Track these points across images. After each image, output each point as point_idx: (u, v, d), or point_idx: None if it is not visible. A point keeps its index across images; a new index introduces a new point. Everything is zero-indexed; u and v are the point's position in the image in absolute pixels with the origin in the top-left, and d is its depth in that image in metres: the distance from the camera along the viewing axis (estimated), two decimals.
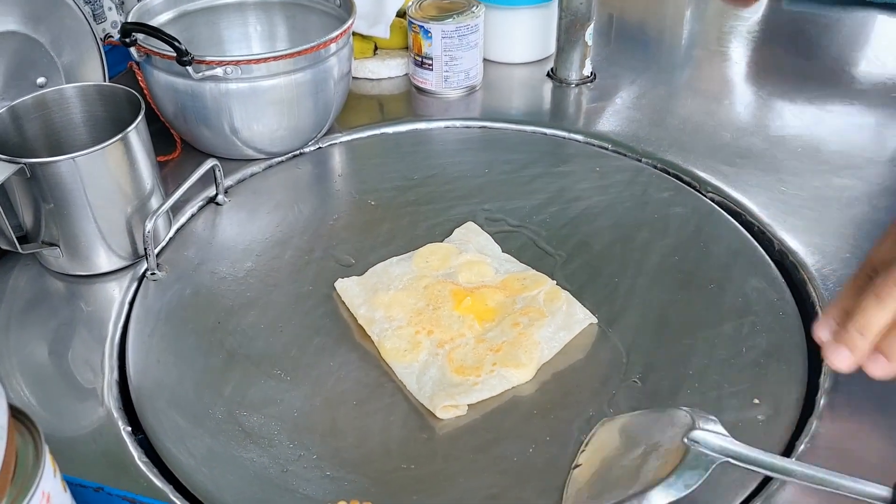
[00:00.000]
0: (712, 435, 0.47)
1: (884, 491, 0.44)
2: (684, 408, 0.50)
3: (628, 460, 0.49)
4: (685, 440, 0.47)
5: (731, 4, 1.17)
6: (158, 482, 0.51)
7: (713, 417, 0.49)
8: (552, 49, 1.00)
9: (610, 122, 0.90)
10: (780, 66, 1.03)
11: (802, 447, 0.53)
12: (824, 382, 0.58)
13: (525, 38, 1.01)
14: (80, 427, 0.56)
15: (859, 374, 0.58)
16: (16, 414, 0.33)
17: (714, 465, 0.46)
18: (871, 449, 0.53)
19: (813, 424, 0.55)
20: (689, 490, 0.45)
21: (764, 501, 0.50)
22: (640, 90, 0.97)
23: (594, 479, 0.50)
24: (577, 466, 0.53)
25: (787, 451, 0.53)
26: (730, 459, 0.46)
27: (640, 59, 1.05)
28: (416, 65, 0.94)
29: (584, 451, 0.54)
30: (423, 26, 0.90)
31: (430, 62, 0.92)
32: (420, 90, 0.96)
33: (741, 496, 0.50)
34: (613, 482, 0.49)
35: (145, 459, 0.53)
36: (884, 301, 0.47)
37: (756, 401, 0.57)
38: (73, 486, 0.35)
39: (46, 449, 0.32)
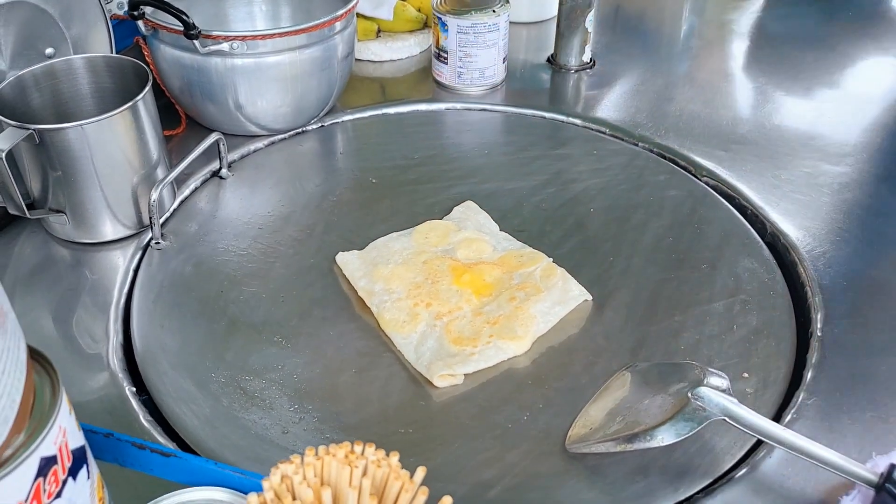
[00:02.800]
0: (715, 393, 0.49)
1: (871, 475, 0.45)
2: (698, 364, 0.52)
3: (637, 404, 0.51)
4: (689, 393, 0.49)
5: None
6: (162, 440, 0.53)
7: (724, 377, 0.50)
8: (553, 12, 1.01)
9: (608, 107, 0.91)
10: (778, 55, 1.04)
11: (789, 418, 0.55)
12: (811, 358, 0.59)
13: None
14: (86, 389, 0.57)
15: (845, 350, 0.60)
16: (34, 355, 0.34)
17: (708, 421, 0.48)
18: (853, 422, 0.55)
19: (800, 397, 0.56)
20: (679, 438, 0.47)
21: (750, 469, 0.52)
22: (639, 77, 0.98)
23: (604, 417, 0.53)
24: (593, 402, 0.55)
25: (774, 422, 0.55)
26: (726, 419, 0.48)
27: (639, 47, 1.07)
28: (435, 57, 0.95)
29: (602, 390, 0.56)
30: (441, 18, 0.91)
31: (446, 56, 0.93)
32: (438, 84, 0.96)
33: (729, 462, 0.52)
34: (618, 421, 0.51)
35: (150, 419, 0.55)
36: None
37: (745, 375, 0.58)
38: (85, 433, 0.37)
39: (63, 388, 0.33)
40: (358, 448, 0.33)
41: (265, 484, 0.32)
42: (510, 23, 0.93)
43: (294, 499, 0.32)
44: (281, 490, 0.32)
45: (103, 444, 0.40)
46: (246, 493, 0.37)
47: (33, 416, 0.31)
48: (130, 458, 0.40)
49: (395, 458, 0.33)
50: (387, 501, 0.33)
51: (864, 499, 0.48)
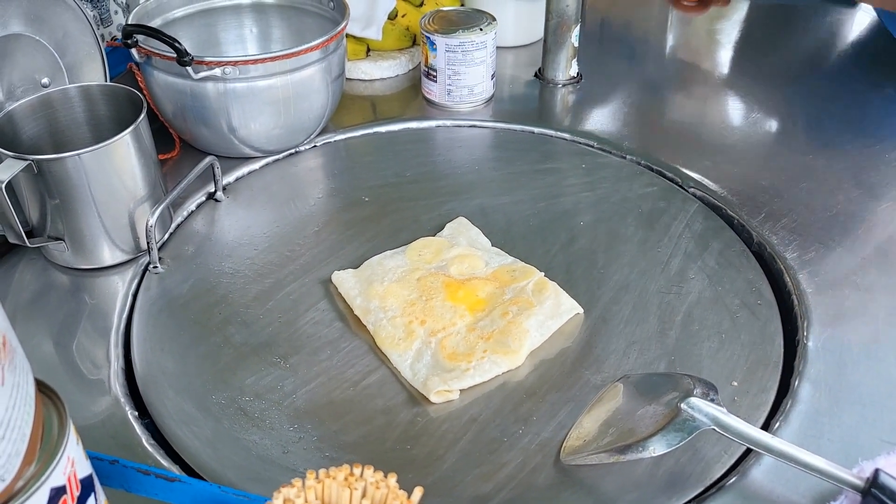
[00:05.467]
0: (705, 403, 0.50)
1: (857, 480, 0.47)
2: (689, 374, 0.54)
3: (630, 414, 0.53)
4: (679, 404, 0.50)
5: (683, 10, 1.21)
6: (165, 462, 0.54)
7: (714, 386, 0.52)
8: (538, 35, 1.03)
9: (596, 120, 0.93)
10: (762, 65, 1.06)
11: (777, 425, 0.56)
12: (799, 365, 0.61)
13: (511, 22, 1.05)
14: (88, 414, 0.58)
15: (831, 358, 0.61)
16: (41, 387, 0.35)
17: (698, 431, 0.49)
18: (840, 428, 0.56)
19: (788, 405, 0.58)
20: (670, 449, 0.48)
21: (740, 477, 0.53)
22: (626, 90, 1.00)
23: (598, 428, 0.54)
24: (586, 414, 0.57)
25: (763, 430, 0.56)
26: (716, 428, 0.49)
27: (626, 60, 1.09)
28: (424, 75, 0.96)
29: (595, 402, 0.57)
30: (429, 37, 0.92)
31: (435, 74, 0.94)
32: (428, 101, 0.98)
33: (719, 471, 0.53)
34: (612, 432, 0.52)
35: (152, 442, 0.56)
36: None
37: (734, 383, 0.59)
38: (91, 460, 0.38)
39: (70, 419, 0.34)
40: (357, 470, 0.34)
41: None
42: (497, 48, 0.95)
43: None
44: None
45: (109, 471, 0.41)
46: None
47: (43, 448, 0.33)
48: (136, 483, 0.41)
49: (392, 479, 0.34)
50: None
51: None
